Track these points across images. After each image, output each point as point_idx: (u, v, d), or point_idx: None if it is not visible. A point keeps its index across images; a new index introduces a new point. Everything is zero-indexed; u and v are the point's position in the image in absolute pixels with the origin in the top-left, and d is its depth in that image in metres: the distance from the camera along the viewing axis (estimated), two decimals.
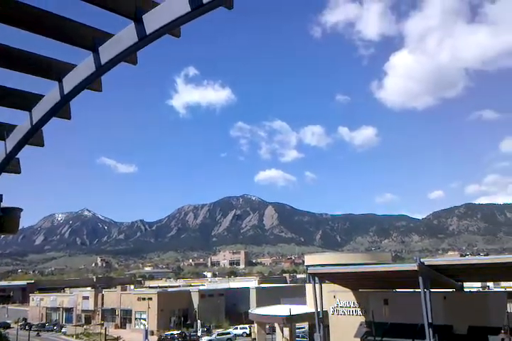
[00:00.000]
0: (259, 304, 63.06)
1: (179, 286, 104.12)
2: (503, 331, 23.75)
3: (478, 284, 47.98)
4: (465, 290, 35.75)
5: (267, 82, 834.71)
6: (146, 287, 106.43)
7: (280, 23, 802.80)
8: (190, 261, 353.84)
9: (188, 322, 65.48)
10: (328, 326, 35.77)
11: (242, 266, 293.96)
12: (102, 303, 77.70)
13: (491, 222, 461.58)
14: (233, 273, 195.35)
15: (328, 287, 35.49)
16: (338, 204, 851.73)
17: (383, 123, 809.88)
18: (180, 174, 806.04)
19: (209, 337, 55.88)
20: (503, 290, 38.16)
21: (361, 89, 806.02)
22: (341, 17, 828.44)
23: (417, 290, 28.80)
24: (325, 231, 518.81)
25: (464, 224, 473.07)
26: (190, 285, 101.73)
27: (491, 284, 46.50)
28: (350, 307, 35.62)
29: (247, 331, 59.57)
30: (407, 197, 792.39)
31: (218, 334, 57.69)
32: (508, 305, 25.10)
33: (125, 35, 4.07)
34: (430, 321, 27.48)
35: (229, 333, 57.91)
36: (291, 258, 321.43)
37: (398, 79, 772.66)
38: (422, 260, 28.37)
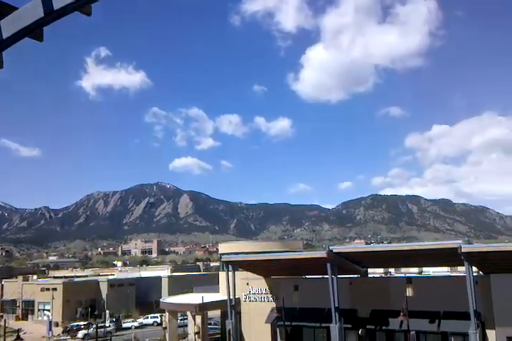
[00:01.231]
0: (171, 293, 62.45)
1: (87, 276, 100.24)
2: (402, 314, 25.28)
3: (381, 270, 50.97)
4: (369, 275, 37.73)
5: (184, 68, 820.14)
6: (50, 277, 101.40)
7: (199, 9, 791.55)
8: (99, 250, 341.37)
9: (96, 313, 63.29)
10: (240, 313, 36.16)
11: (154, 254, 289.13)
12: (2, 294, 72.97)
13: (394, 213, 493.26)
14: (145, 262, 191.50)
15: (241, 274, 35.78)
16: (254, 193, 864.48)
17: (298, 115, 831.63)
18: (90, 159, 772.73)
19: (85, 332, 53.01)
20: (403, 275, 40.76)
21: (278, 81, 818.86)
22: (260, 7, 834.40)
23: (325, 276, 29.85)
24: (240, 220, 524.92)
25: (370, 213, 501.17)
26: (99, 275, 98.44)
27: (392, 270, 49.51)
28: (262, 293, 36.22)
29: (158, 320, 58.94)
30: (319, 187, 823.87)
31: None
32: (407, 289, 26.75)
33: (30, 8, 3.79)
34: (337, 305, 28.67)
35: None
36: (205, 247, 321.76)
37: (313, 72, 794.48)
38: (330, 248, 29.41)
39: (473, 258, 25.14)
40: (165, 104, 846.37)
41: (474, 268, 27.37)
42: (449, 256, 25.98)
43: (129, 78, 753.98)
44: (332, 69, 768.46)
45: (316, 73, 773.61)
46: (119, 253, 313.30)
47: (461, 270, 36.34)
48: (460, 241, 25.29)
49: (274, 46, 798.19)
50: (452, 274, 42.22)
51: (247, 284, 36.67)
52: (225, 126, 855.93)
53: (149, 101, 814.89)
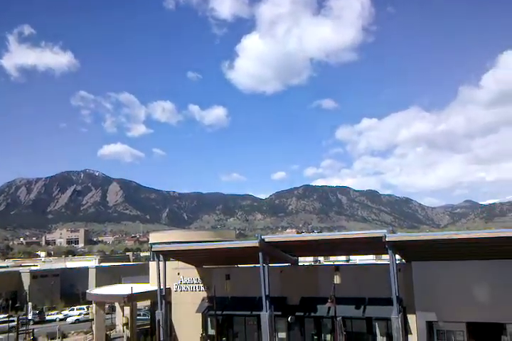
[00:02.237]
0: (99, 284, 60.63)
1: (7, 267, 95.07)
2: (329, 300, 26.06)
3: (311, 259, 52.34)
4: (299, 264, 38.58)
5: (115, 51, 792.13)
6: None
7: None
8: (22, 239, 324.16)
9: (18, 305, 60.19)
10: (171, 303, 35.77)
11: (81, 244, 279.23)
12: None
13: (324, 203, 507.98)
14: (71, 253, 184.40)
15: (172, 264, 35.31)
16: (187, 182, 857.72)
17: (234, 104, 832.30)
18: (11, 144, 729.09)
19: None
20: (331, 263, 42.02)
21: (213, 68, 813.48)
22: None
23: (257, 265, 30.11)
24: (172, 209, 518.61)
25: (302, 204, 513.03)
26: (21, 266, 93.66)
27: (321, 258, 50.95)
28: (193, 283, 36.00)
29: (85, 312, 57.27)
30: (253, 177, 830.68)
31: None
32: (335, 277, 27.58)
33: None
34: (267, 294, 29.04)
35: None
36: (135, 237, 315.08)
37: (249, 62, 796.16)
38: (262, 237, 29.67)
39: (396, 246, 26.32)
40: (94, 87, 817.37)
41: (397, 256, 28.68)
42: (375, 245, 26.95)
43: (54, 59, 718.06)
44: (268, 60, 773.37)
45: (252, 63, 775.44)
46: (43, 243, 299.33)
47: (385, 258, 38.12)
48: (384, 231, 26.30)
49: (209, 33, 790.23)
50: (377, 262, 44.11)
51: (178, 274, 36.29)
52: (158, 113, 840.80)
53: (77, 84, 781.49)
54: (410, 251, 28.07)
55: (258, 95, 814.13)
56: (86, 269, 73.98)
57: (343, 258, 49.95)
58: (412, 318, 28.58)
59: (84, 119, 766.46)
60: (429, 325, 28.57)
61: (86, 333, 42.94)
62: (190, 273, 36.13)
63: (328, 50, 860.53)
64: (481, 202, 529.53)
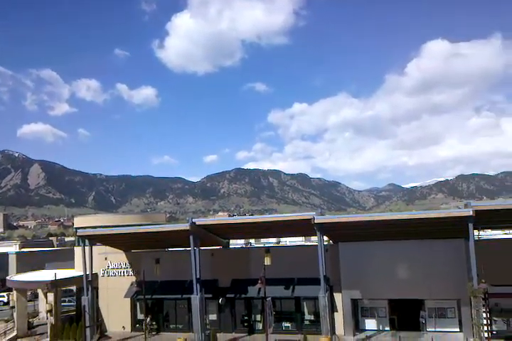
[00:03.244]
0: (20, 270, 57.62)
1: None
2: (259, 281, 26.40)
3: (243, 241, 52.79)
4: (231, 247, 38.75)
5: (36, 24, 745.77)
6: None
7: None
8: None
9: None
10: (98, 288, 34.75)
11: (0, 229, 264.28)
12: None
13: (256, 186, 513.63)
14: None
15: (99, 249, 34.18)
16: (114, 164, 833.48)
17: (164, 85, 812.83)
18: None
19: None
20: (262, 246, 42.59)
21: (142, 47, 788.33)
22: None
23: (188, 248, 29.85)
24: (99, 193, 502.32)
25: (234, 187, 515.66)
26: None
27: (253, 241, 51.52)
28: (121, 268, 35.16)
29: (5, 299, 54.51)
30: (184, 160, 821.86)
31: None
32: (265, 258, 27.95)
33: None
34: (198, 277, 28.94)
35: None
36: (59, 221, 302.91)
37: (179, 41, 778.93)
38: (193, 220, 29.41)
39: (324, 228, 27.07)
40: (12, 62, 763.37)
41: (325, 238, 29.53)
42: (304, 227, 27.53)
43: None
44: (199, 40, 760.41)
45: (182, 42, 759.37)
46: None
47: (314, 239, 39.16)
48: (313, 213, 26.95)
49: (138, 9, 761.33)
50: (306, 243, 45.29)
51: (106, 259, 35.25)
52: (83, 92, 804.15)
53: None
54: (337, 232, 28.96)
55: (189, 76, 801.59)
56: (5, 255, 70.09)
57: (274, 240, 50.89)
58: (338, 296, 29.68)
59: (2, 96, 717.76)
60: (354, 302, 29.84)
61: (6, 321, 40.81)
62: (118, 257, 35.20)
63: (260, 32, 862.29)
64: (403, 186, 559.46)
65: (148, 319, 32.49)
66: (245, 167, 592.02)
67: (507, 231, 34.78)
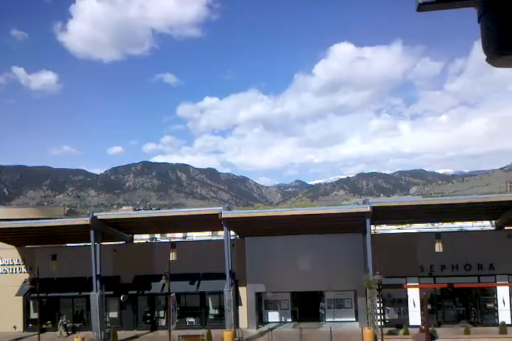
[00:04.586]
0: None
1: None
2: (164, 277, 25.87)
3: (148, 236, 51.48)
4: (135, 242, 37.55)
5: None
6: None
7: None
8: None
9: None
10: None
11: None
12: None
13: (163, 180, 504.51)
14: None
15: None
16: (8, 153, 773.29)
17: (66, 70, 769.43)
18: None
19: None
20: (167, 241, 41.77)
21: (43, 29, 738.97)
22: None
23: (88, 244, 28.50)
24: None
25: (140, 180, 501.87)
26: None
27: (158, 236, 50.48)
28: (13, 264, 32.71)
29: None
30: (86, 151, 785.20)
31: None
32: (170, 254, 27.53)
33: None
34: (98, 273, 27.73)
35: None
36: None
37: (84, 25, 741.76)
38: (94, 214, 28.12)
39: (231, 223, 27.19)
40: None
41: (232, 233, 29.68)
42: (212, 222, 27.47)
43: None
44: (105, 26, 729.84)
45: (87, 27, 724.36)
46: None
47: (221, 234, 39.18)
48: (221, 208, 26.98)
49: None
50: (213, 238, 45.24)
51: None
52: None
53: None
54: (244, 227, 29.22)
55: (94, 63, 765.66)
56: None
57: (180, 235, 50.21)
58: (243, 291, 29.99)
59: None
60: (258, 296, 30.35)
61: None
62: (9, 253, 32.66)
63: (172, 23, 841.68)
64: (308, 182, 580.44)
65: (64, 318, 30.53)
66: (153, 160, 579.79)
67: (400, 227, 37.33)
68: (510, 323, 26.90)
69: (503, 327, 25.85)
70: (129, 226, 31.83)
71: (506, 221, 28.23)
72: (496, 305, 27.96)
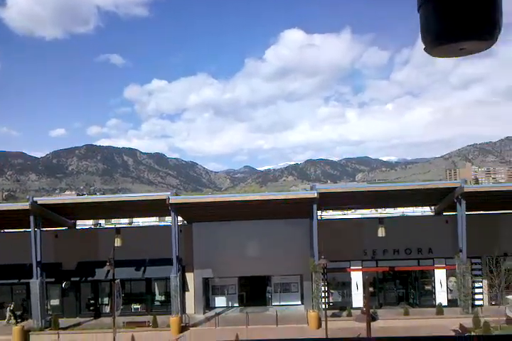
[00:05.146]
0: None
1: None
2: (108, 263, 25.26)
3: (91, 221, 50.08)
4: (78, 227, 36.40)
5: None
6: None
7: None
8: None
9: None
10: None
11: None
12: None
13: (109, 164, 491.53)
14: None
15: None
16: None
17: (5, 47, 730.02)
18: None
19: None
20: (112, 226, 40.86)
21: None
22: None
23: (27, 229, 27.34)
24: None
25: (84, 164, 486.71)
26: None
27: (102, 221, 49.20)
28: None
29: None
30: (27, 133, 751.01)
31: None
32: (115, 239, 26.90)
33: None
34: (39, 260, 26.74)
35: None
36: None
37: (24, 0, 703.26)
38: (34, 199, 26.96)
39: (179, 208, 26.85)
40: None
41: (180, 218, 29.36)
42: (159, 207, 27.06)
43: None
44: (47, 1, 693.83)
45: (28, 1, 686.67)
46: None
47: (168, 220, 38.68)
48: (168, 193, 26.56)
49: None
50: (160, 224, 44.63)
51: None
52: None
53: None
54: (192, 212, 28.94)
55: (36, 40, 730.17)
56: None
57: (126, 220, 49.15)
58: (190, 276, 29.85)
59: None
60: (206, 281, 30.33)
61: None
62: None
63: (118, 0, 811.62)
64: (257, 168, 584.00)
65: (12, 306, 29.13)
66: (97, 143, 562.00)
67: (345, 212, 38.24)
68: (446, 304, 28.36)
69: (440, 308, 27.19)
70: (72, 212, 30.77)
71: (445, 207, 29.49)
72: (434, 287, 29.36)
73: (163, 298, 30.47)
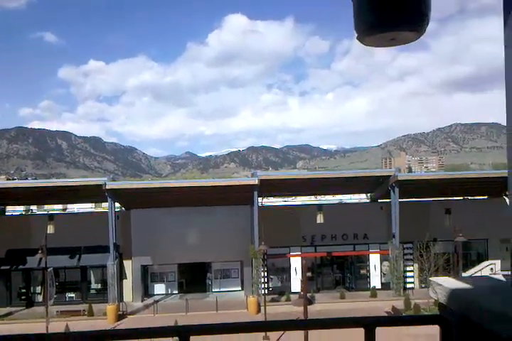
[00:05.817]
0: None
1: None
2: (40, 251, 24.28)
3: (22, 207, 47.80)
4: (7, 214, 34.58)
5: None
6: None
7: None
8: None
9: None
10: None
11: None
12: None
13: (41, 148, 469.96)
14: None
15: None
16: None
17: None
18: None
19: None
20: (45, 213, 39.19)
21: None
22: None
23: None
24: None
25: (14, 147, 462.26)
26: None
27: (34, 207, 47.12)
28: None
29: None
30: None
31: None
32: (48, 227, 25.77)
33: None
34: None
35: None
36: None
37: None
38: None
39: (116, 194, 26.13)
40: None
41: (117, 204, 28.55)
42: (95, 193, 26.26)
43: None
44: None
45: None
46: None
47: (105, 206, 37.55)
48: (105, 179, 25.79)
49: None
50: (96, 210, 43.29)
51: None
52: None
53: None
54: (130, 199, 28.25)
55: None
56: None
57: (60, 206, 47.28)
58: (128, 263, 29.23)
59: None
60: (144, 268, 29.82)
61: None
62: None
63: None
64: (199, 154, 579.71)
65: None
66: (29, 126, 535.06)
67: (286, 199, 38.75)
68: (380, 288, 29.58)
69: (374, 291, 28.33)
70: (1, 197, 29.11)
71: (380, 194, 30.56)
72: (368, 272, 30.51)
73: (99, 286, 29.70)
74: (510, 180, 1.50)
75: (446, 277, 1.90)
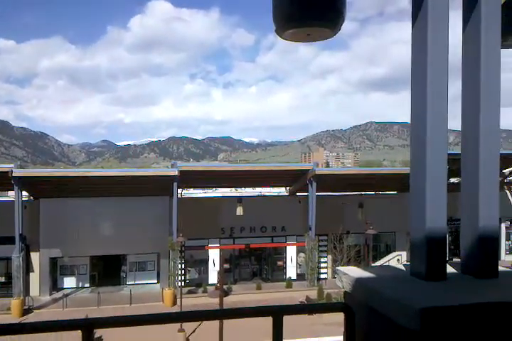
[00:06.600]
0: None
1: None
2: None
3: None
4: None
5: None
6: None
7: None
8: None
9: None
10: None
11: None
12: None
13: None
14: None
15: None
16: None
17: None
18: None
19: None
20: None
21: None
22: None
23: None
24: None
25: None
26: None
27: None
28: None
29: None
30: None
31: None
32: None
33: None
34: None
35: None
36: None
37: None
38: None
39: (24, 183, 24.65)
40: None
41: (25, 193, 26.84)
42: (0, 181, 24.50)
43: None
44: None
45: None
46: None
47: (11, 195, 35.14)
48: (12, 166, 24.28)
49: None
50: (1, 199, 40.47)
51: None
52: None
53: None
54: (39, 187, 26.66)
55: None
56: None
57: None
58: (35, 255, 27.61)
59: None
60: (53, 261, 28.34)
61: None
62: None
63: None
64: (117, 143, 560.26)
65: None
66: None
67: (206, 191, 38.51)
68: (295, 278, 30.34)
69: (289, 282, 29.02)
70: None
71: (298, 188, 31.26)
72: (285, 263, 31.20)
73: (3, 279, 27.85)
74: (411, 175, 1.64)
75: (352, 266, 1.95)
